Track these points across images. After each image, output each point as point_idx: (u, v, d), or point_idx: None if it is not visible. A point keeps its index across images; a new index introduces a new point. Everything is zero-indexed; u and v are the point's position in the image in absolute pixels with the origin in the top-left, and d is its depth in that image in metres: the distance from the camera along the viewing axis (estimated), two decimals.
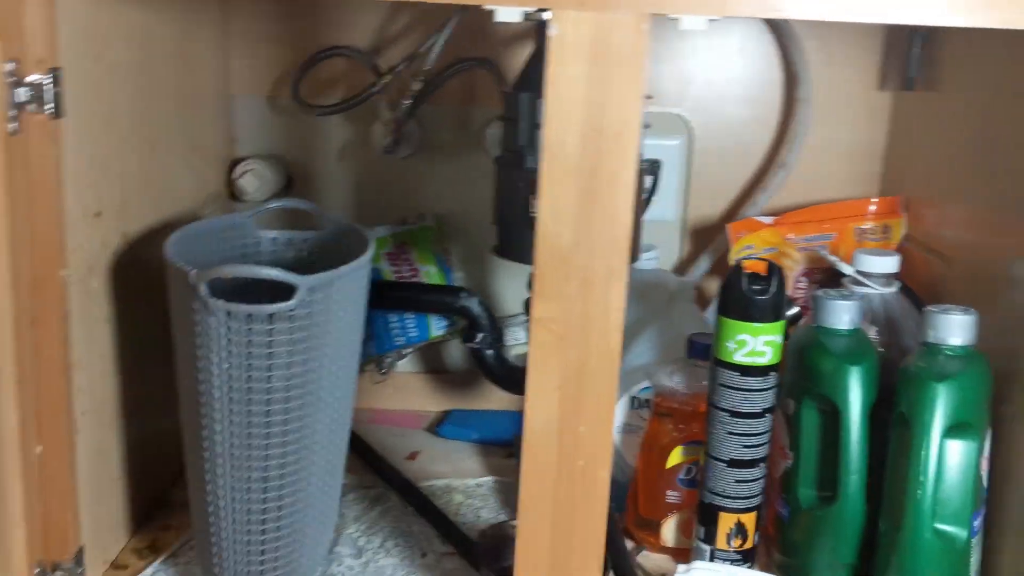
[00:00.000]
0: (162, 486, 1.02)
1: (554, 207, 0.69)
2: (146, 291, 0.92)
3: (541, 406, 0.73)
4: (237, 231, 0.94)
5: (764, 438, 0.86)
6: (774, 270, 0.84)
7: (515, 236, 0.88)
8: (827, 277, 1.09)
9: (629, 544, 0.96)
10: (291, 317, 0.76)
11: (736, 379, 0.85)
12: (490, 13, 0.68)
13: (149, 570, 0.90)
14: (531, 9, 0.66)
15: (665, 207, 1.20)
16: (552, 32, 0.65)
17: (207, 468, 0.80)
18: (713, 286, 1.18)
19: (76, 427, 0.80)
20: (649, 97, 0.88)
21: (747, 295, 0.83)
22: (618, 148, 0.67)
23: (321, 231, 0.96)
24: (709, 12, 0.65)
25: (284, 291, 0.76)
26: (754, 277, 0.84)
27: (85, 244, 0.80)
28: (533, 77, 0.86)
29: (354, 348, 0.86)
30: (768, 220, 1.12)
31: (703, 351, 0.92)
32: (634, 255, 0.92)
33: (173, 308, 0.81)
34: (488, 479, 1.10)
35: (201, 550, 0.86)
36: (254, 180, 1.15)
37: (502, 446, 1.16)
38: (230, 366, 0.76)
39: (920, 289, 1.03)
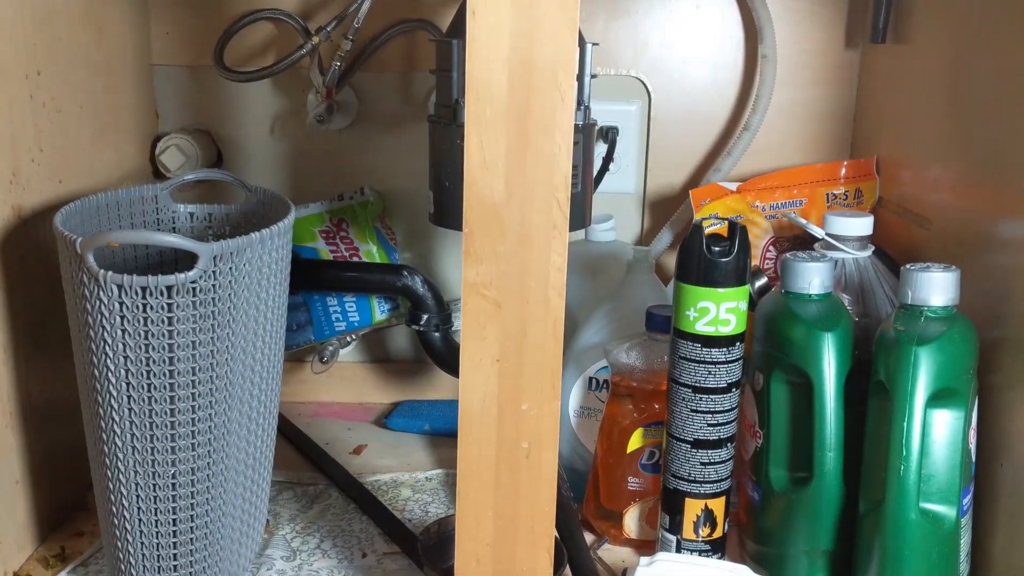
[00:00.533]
0: (79, 489, 0.93)
1: (483, 154, 0.61)
2: (47, 274, 0.83)
3: (477, 382, 0.65)
4: (149, 205, 0.86)
5: (731, 415, 0.79)
6: (736, 230, 0.76)
7: (452, 200, 0.80)
8: (797, 246, 1.02)
9: (589, 537, 0.88)
10: (193, 290, 0.67)
11: (698, 351, 0.77)
12: None
13: None
14: None
15: (624, 177, 1.12)
16: None
17: (108, 464, 0.72)
18: (675, 259, 1.10)
19: None
20: (595, 44, 0.81)
21: (708, 257, 0.75)
22: (552, 84, 0.59)
23: (243, 204, 0.88)
24: None
25: (189, 263, 0.67)
26: (715, 238, 0.76)
27: None
28: (464, 24, 0.78)
29: (274, 327, 0.77)
30: (732, 186, 1.04)
31: (663, 324, 0.84)
32: (585, 218, 0.85)
33: (65, 284, 0.72)
34: (438, 472, 1.02)
35: (109, 557, 0.77)
36: (178, 155, 1.06)
37: (454, 436, 1.07)
38: (125, 347, 0.67)
39: (897, 255, 0.95)
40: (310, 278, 1.01)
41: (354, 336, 1.11)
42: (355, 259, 1.05)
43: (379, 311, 1.07)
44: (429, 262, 1.14)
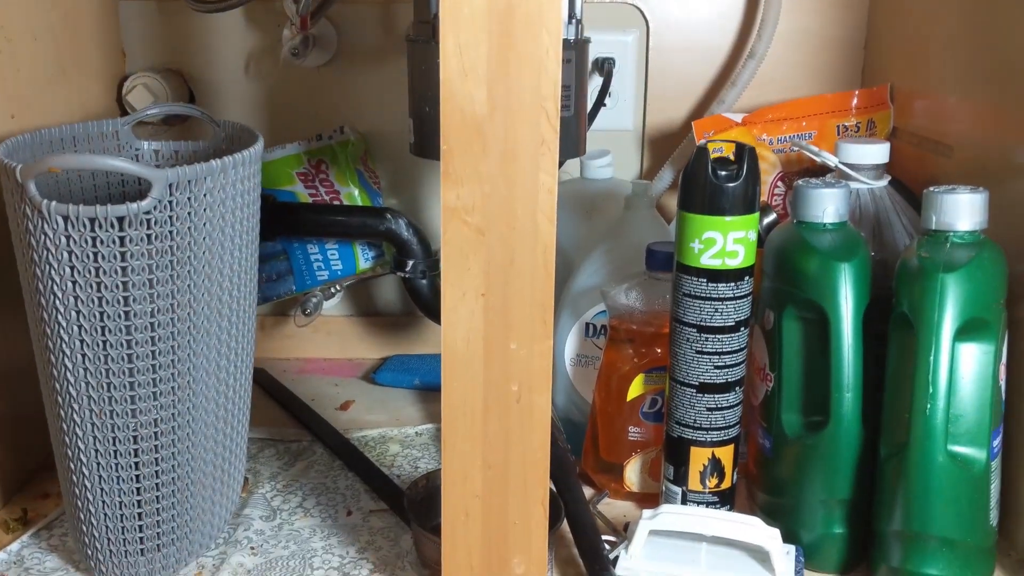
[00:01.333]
0: (44, 449, 0.87)
1: (461, 62, 0.54)
2: (5, 218, 0.76)
3: (461, 319, 0.59)
4: (109, 141, 0.80)
5: (739, 357, 0.73)
6: (745, 152, 0.69)
7: (434, 127, 0.73)
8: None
9: (588, 491, 0.83)
10: (148, 222, 0.61)
11: (704, 286, 0.71)
12: None
13: (15, 545, 0.75)
14: None
15: (622, 112, 1.06)
16: None
17: (63, 417, 0.66)
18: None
19: None
20: None
21: (713, 183, 0.69)
22: None
23: (212, 139, 0.81)
24: None
25: (143, 193, 0.61)
26: (722, 162, 0.70)
27: None
28: None
29: (245, 268, 0.71)
30: (737, 118, 0.97)
31: (664, 261, 0.78)
32: (578, 147, 0.79)
33: (10, 223, 0.66)
34: (429, 427, 0.96)
35: (71, 522, 0.71)
36: (146, 95, 1.00)
37: None
38: (75, 285, 0.61)
39: (915, 185, 0.89)
40: (288, 223, 0.95)
41: (339, 287, 1.05)
42: (336, 203, 0.99)
43: (363, 259, 1.01)
44: (416, 207, 1.08)
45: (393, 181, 1.07)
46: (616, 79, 1.03)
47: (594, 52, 1.02)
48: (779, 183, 0.97)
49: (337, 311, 1.12)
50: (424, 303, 0.97)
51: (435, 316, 0.97)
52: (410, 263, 0.94)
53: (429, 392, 1.03)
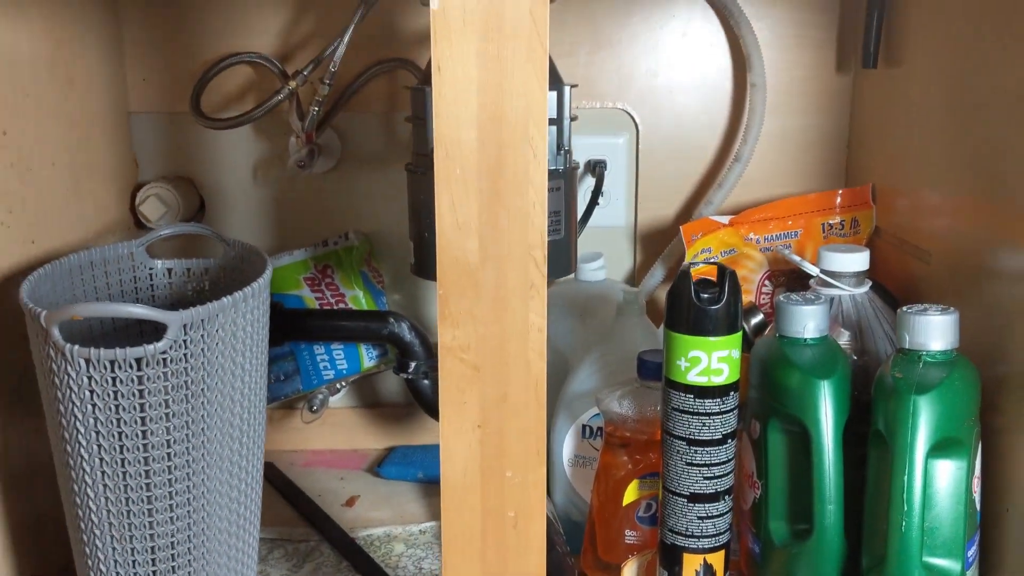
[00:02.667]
0: (64, 553, 0.90)
1: (455, 215, 0.59)
2: (23, 339, 0.80)
3: (459, 450, 0.63)
4: (125, 263, 0.84)
5: (727, 467, 0.76)
6: (725, 274, 0.73)
7: (432, 251, 0.78)
8: (793, 279, 0.99)
9: None
10: (164, 360, 0.65)
11: (691, 402, 0.74)
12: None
13: None
14: None
15: (614, 211, 1.10)
16: (433, 6, 0.55)
17: (85, 539, 0.69)
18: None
19: None
20: (573, 86, 0.78)
21: (697, 305, 0.73)
22: (523, 138, 0.57)
23: (222, 258, 0.86)
24: None
25: (158, 333, 0.65)
26: (704, 283, 0.74)
27: None
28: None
29: (255, 389, 0.75)
30: (725, 220, 1.01)
31: (654, 371, 0.81)
32: (569, 266, 0.83)
33: (34, 356, 0.70)
34: (432, 524, 0.99)
35: None
36: (159, 205, 1.04)
37: None
38: (96, 420, 0.65)
39: (895, 287, 0.93)
40: (296, 328, 0.99)
41: (343, 383, 1.09)
42: (341, 306, 1.03)
43: (367, 358, 1.05)
44: (417, 303, 1.12)
45: (396, 278, 1.11)
46: (608, 179, 1.07)
47: (587, 154, 1.07)
48: (766, 282, 1.00)
49: (341, 403, 1.15)
50: (426, 402, 1.00)
51: (437, 415, 1.00)
52: (412, 364, 0.98)
53: (433, 485, 1.06)
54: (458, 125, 0.57)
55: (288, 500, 1.03)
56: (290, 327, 0.97)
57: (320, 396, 1.08)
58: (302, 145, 1.01)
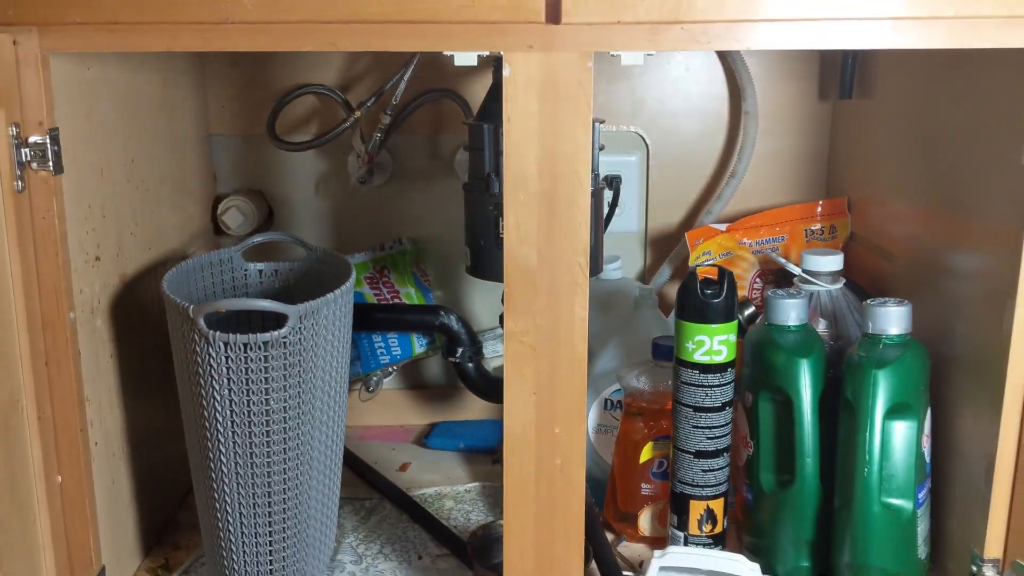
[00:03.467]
0: (170, 509, 1.08)
1: (519, 230, 0.76)
2: (144, 328, 0.98)
3: (519, 412, 0.80)
4: (225, 265, 1.01)
5: (726, 430, 0.94)
6: (724, 275, 0.91)
7: (486, 256, 0.95)
8: (780, 277, 1.17)
9: (610, 536, 1.03)
10: (284, 344, 0.83)
11: (697, 377, 0.92)
12: (450, 57, 0.75)
13: None
14: (485, 53, 0.73)
15: (628, 219, 1.27)
16: (505, 73, 0.72)
17: (215, 489, 0.87)
18: (675, 292, 1.26)
19: (91, 458, 0.86)
20: (601, 122, 0.96)
21: (702, 299, 0.91)
22: (572, 173, 0.74)
23: (303, 260, 1.03)
24: (644, 48, 0.73)
25: (275, 320, 0.83)
26: (707, 282, 0.92)
27: (87, 287, 0.87)
28: (493, 109, 0.93)
29: (343, 368, 0.92)
30: (722, 227, 1.19)
31: (667, 352, 0.99)
32: (597, 268, 1.00)
33: (173, 342, 0.87)
34: (475, 484, 1.17)
35: (212, 565, 0.92)
36: (237, 215, 1.21)
37: (486, 453, 1.23)
38: (231, 392, 0.83)
39: (867, 284, 1.11)
40: (360, 319, 1.16)
41: (395, 367, 1.26)
42: (396, 301, 1.21)
43: (418, 345, 1.23)
44: (459, 298, 1.29)
45: (439, 277, 1.29)
46: (623, 191, 1.24)
47: (605, 170, 1.24)
48: (757, 279, 1.18)
49: (391, 385, 1.33)
50: (471, 383, 1.18)
51: (481, 393, 1.18)
52: (459, 350, 1.16)
53: (473, 454, 1.24)
54: (522, 163, 0.74)
55: (351, 466, 1.21)
56: (358, 319, 1.14)
57: (375, 378, 1.26)
58: (363, 164, 1.18)
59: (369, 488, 1.16)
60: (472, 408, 1.32)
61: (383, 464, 1.21)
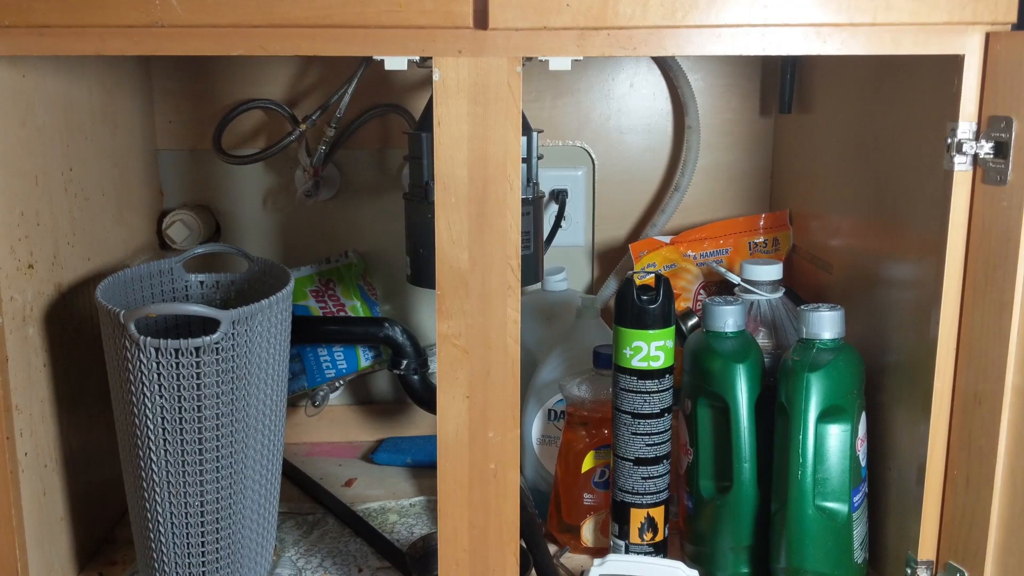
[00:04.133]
0: (108, 524, 1.07)
1: (450, 232, 0.77)
2: (82, 341, 0.97)
3: (452, 416, 0.80)
4: (166, 276, 1.00)
5: (665, 436, 0.94)
6: (661, 281, 0.92)
7: (426, 264, 0.95)
8: (724, 288, 1.18)
9: (553, 548, 1.03)
10: (217, 350, 0.82)
11: (635, 383, 0.92)
12: (381, 63, 0.75)
13: None
14: (415, 58, 0.74)
15: (574, 233, 1.28)
16: (435, 77, 0.73)
17: (146, 499, 0.86)
18: None
19: (20, 469, 0.85)
20: (539, 131, 0.97)
21: (638, 305, 0.91)
22: (502, 175, 0.75)
23: (245, 272, 1.02)
24: (571, 54, 0.74)
25: (209, 327, 0.82)
26: (644, 288, 0.92)
27: (19, 295, 0.86)
28: (433, 118, 0.94)
29: (280, 378, 0.92)
30: (666, 239, 1.20)
31: (607, 361, 0.99)
32: (536, 276, 1.00)
33: (106, 349, 0.86)
34: (421, 499, 1.16)
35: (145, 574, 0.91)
36: (183, 229, 1.21)
37: (433, 468, 1.21)
38: (162, 399, 0.82)
39: (805, 294, 1.12)
40: (304, 332, 1.16)
41: (342, 382, 1.25)
42: (342, 314, 1.20)
43: (364, 359, 1.22)
44: (406, 313, 1.29)
45: (387, 291, 1.29)
46: (569, 205, 1.26)
47: (551, 184, 1.25)
48: (702, 291, 1.19)
49: (338, 401, 1.32)
50: (416, 395, 1.17)
51: (425, 406, 1.18)
52: (404, 362, 1.15)
53: (420, 469, 1.24)
54: (453, 165, 0.75)
55: (294, 481, 1.20)
56: (301, 331, 1.14)
57: (322, 392, 1.25)
58: (309, 178, 1.18)
59: (313, 503, 1.15)
60: (421, 424, 1.31)
61: (329, 479, 1.20)
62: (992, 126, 0.75)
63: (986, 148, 0.75)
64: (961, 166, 0.77)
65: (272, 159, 1.23)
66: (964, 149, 0.76)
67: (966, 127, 0.76)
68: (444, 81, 0.73)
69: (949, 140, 0.77)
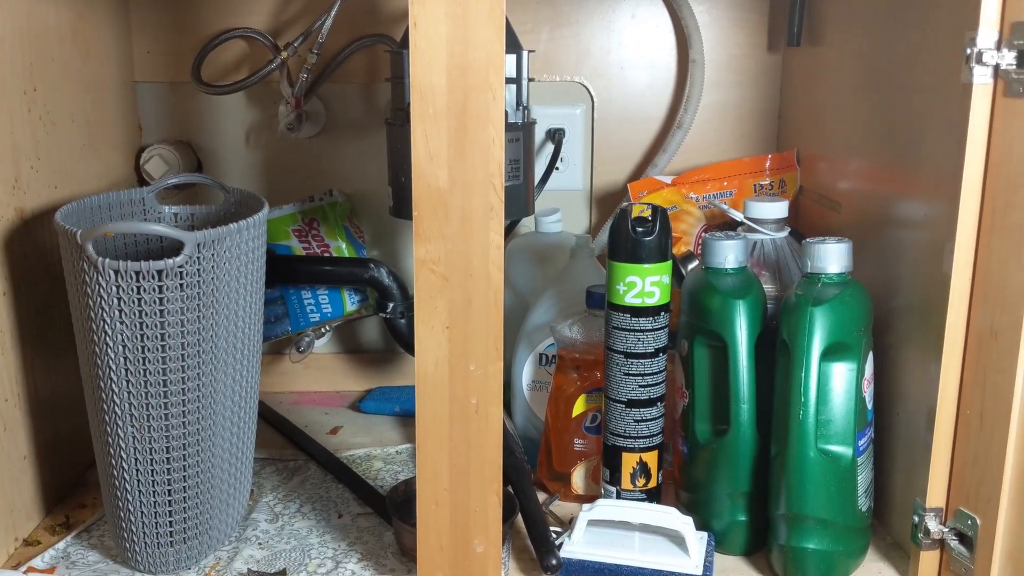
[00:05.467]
0: (80, 467, 1.02)
1: (428, 147, 0.71)
2: (48, 275, 0.92)
3: (431, 348, 0.75)
4: (137, 207, 0.95)
5: (659, 378, 0.89)
6: (658, 212, 0.86)
7: (408, 193, 0.90)
8: (727, 231, 1.12)
9: (543, 496, 0.98)
10: (181, 273, 0.77)
11: (628, 321, 0.87)
12: None
13: (61, 544, 0.90)
14: None
15: (572, 176, 1.23)
16: None
17: (108, 433, 0.81)
18: None
19: None
20: (531, 51, 0.91)
21: (633, 237, 0.86)
22: (484, 84, 0.69)
23: (222, 204, 0.97)
24: None
25: (176, 251, 0.77)
26: (640, 220, 0.87)
27: None
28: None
29: (253, 311, 0.87)
30: (668, 180, 1.14)
31: (600, 301, 0.94)
32: (527, 207, 0.95)
33: (67, 275, 0.81)
34: (408, 446, 1.11)
35: (111, 519, 0.86)
36: (161, 164, 1.16)
37: None
38: (123, 326, 0.77)
39: (811, 234, 1.06)
40: (286, 272, 1.11)
41: (328, 327, 1.20)
42: (326, 255, 1.15)
43: (350, 302, 1.17)
44: (394, 257, 1.24)
45: (375, 235, 1.23)
46: (566, 146, 1.20)
47: (547, 123, 1.20)
48: (703, 234, 1.13)
49: (326, 349, 1.27)
50: (403, 340, 1.12)
51: (413, 351, 1.13)
52: (390, 305, 1.10)
53: (408, 418, 1.19)
54: (431, 71, 0.69)
55: (278, 429, 1.15)
56: (281, 271, 1.09)
57: (307, 338, 1.20)
58: (291, 110, 1.13)
59: (295, 450, 1.10)
60: (410, 373, 1.26)
61: (314, 428, 1.16)
62: (1016, 33, 0.69)
63: (1008, 58, 0.69)
64: (981, 78, 0.71)
65: (255, 93, 1.18)
66: (984, 59, 0.70)
67: (987, 35, 0.70)
68: None
69: (968, 51, 0.71)
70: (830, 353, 0.81)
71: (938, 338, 0.78)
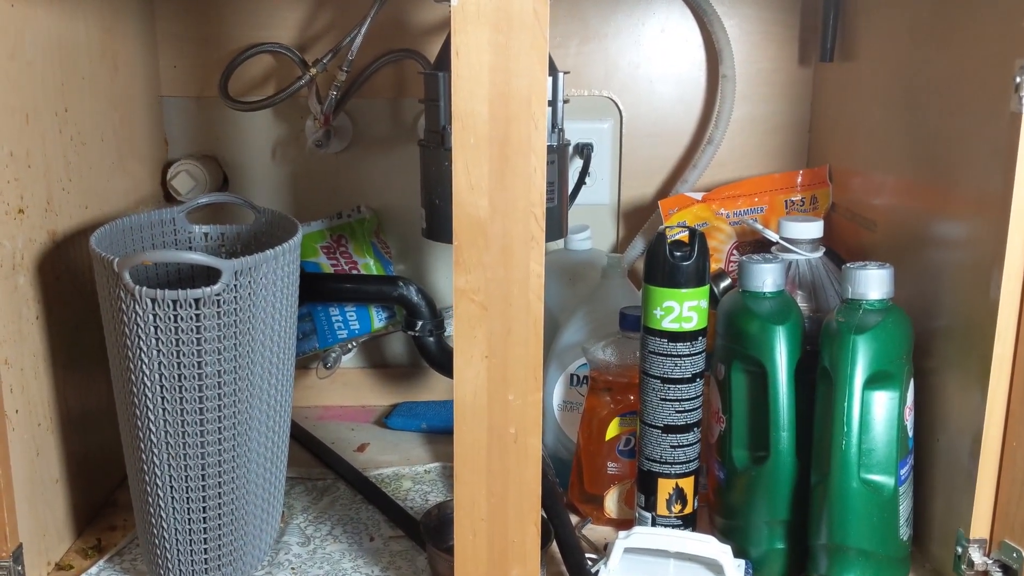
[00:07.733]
0: (109, 488, 1.02)
1: (469, 177, 0.70)
2: (80, 294, 0.92)
3: (469, 377, 0.74)
4: (168, 227, 0.95)
5: (696, 403, 0.88)
6: (695, 236, 0.85)
7: (442, 216, 0.89)
8: (758, 248, 1.11)
9: (575, 519, 0.97)
10: (218, 302, 0.76)
11: (665, 345, 0.86)
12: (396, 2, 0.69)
13: (94, 569, 0.89)
14: None
15: (599, 190, 1.22)
16: (453, 3, 0.66)
17: (144, 460, 0.81)
18: None
19: (9, 426, 0.80)
20: (566, 73, 0.90)
21: (671, 262, 0.85)
22: (527, 113, 0.68)
23: (252, 224, 0.97)
24: None
25: (211, 278, 0.76)
26: (677, 244, 0.86)
27: (8, 241, 0.80)
28: (450, 53, 0.87)
29: (288, 334, 0.86)
30: (698, 196, 1.13)
31: (634, 323, 0.93)
32: (560, 231, 0.94)
33: (101, 302, 0.81)
34: (436, 465, 1.11)
35: (145, 544, 0.85)
36: (188, 180, 1.15)
37: (449, 433, 1.16)
38: (159, 354, 0.76)
39: (846, 254, 1.05)
40: (314, 290, 1.10)
41: (354, 343, 1.20)
42: (354, 272, 1.14)
43: (377, 319, 1.16)
44: (422, 272, 1.23)
45: (402, 250, 1.23)
46: (595, 161, 1.19)
47: (575, 138, 1.19)
48: (735, 251, 1.12)
49: (352, 364, 1.26)
50: (431, 357, 1.12)
51: (441, 369, 1.12)
52: (419, 323, 1.09)
53: (435, 434, 1.18)
54: (473, 101, 0.68)
55: (305, 446, 1.14)
56: (310, 289, 1.08)
57: (334, 354, 1.19)
58: (319, 127, 1.12)
59: (324, 468, 1.10)
60: (436, 388, 1.26)
61: (341, 444, 1.15)
62: None
63: None
64: None
65: (282, 108, 1.17)
66: None
67: None
68: (463, 6, 0.66)
69: (1018, 79, 0.70)
70: (873, 382, 0.80)
71: (983, 365, 0.77)
